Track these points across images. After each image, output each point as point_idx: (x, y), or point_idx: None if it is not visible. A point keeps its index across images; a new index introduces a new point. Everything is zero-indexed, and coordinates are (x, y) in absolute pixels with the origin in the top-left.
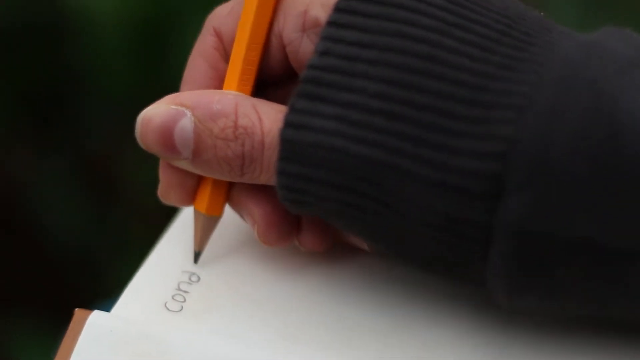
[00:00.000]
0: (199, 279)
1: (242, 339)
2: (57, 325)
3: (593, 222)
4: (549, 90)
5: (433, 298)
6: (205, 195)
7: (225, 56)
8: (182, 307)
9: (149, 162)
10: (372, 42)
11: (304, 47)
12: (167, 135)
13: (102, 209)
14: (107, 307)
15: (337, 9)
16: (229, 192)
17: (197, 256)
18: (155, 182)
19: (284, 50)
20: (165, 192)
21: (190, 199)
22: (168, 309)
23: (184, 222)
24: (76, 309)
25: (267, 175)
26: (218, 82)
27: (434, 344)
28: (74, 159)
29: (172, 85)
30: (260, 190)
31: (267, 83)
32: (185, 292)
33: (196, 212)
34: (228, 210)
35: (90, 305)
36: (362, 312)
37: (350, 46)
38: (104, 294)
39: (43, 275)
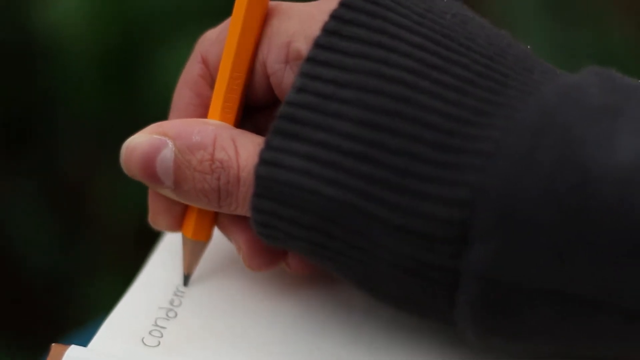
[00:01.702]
0: (176, 314)
1: None
2: (25, 348)
3: (560, 272)
4: (519, 136)
5: (415, 328)
6: (191, 221)
7: (212, 83)
8: (159, 342)
9: (119, 185)
10: (348, 81)
11: (286, 79)
12: (149, 165)
13: (72, 231)
14: (80, 336)
15: (317, 45)
16: (216, 217)
17: (186, 279)
18: (126, 204)
19: (268, 78)
20: (154, 219)
21: (178, 225)
22: (145, 344)
23: (162, 258)
24: (53, 344)
25: (244, 209)
26: (203, 110)
27: None
28: (44, 181)
29: (142, 107)
30: (244, 218)
31: (254, 108)
32: (163, 327)
33: (184, 237)
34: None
35: (62, 332)
36: (343, 346)
37: (326, 84)
38: (75, 317)
39: (12, 297)
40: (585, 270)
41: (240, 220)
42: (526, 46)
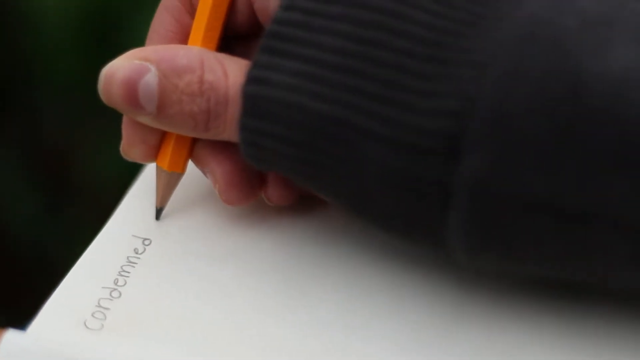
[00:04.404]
0: (120, 294)
1: (165, 359)
2: (8, 320)
3: (551, 184)
4: (511, 47)
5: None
6: (167, 151)
7: (191, 10)
8: (102, 325)
9: (102, 153)
10: None
11: (273, 3)
12: (130, 90)
13: (55, 201)
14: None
15: None
16: (192, 148)
17: (158, 213)
18: (109, 172)
19: (251, 6)
20: (128, 149)
21: (153, 155)
22: (87, 327)
23: (107, 236)
24: None
25: (230, 131)
26: (182, 37)
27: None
28: (25, 150)
29: None
30: (223, 149)
31: (233, 38)
32: (106, 308)
33: (158, 168)
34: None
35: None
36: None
37: (314, 1)
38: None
39: None
40: (575, 182)
41: (218, 151)
42: None
